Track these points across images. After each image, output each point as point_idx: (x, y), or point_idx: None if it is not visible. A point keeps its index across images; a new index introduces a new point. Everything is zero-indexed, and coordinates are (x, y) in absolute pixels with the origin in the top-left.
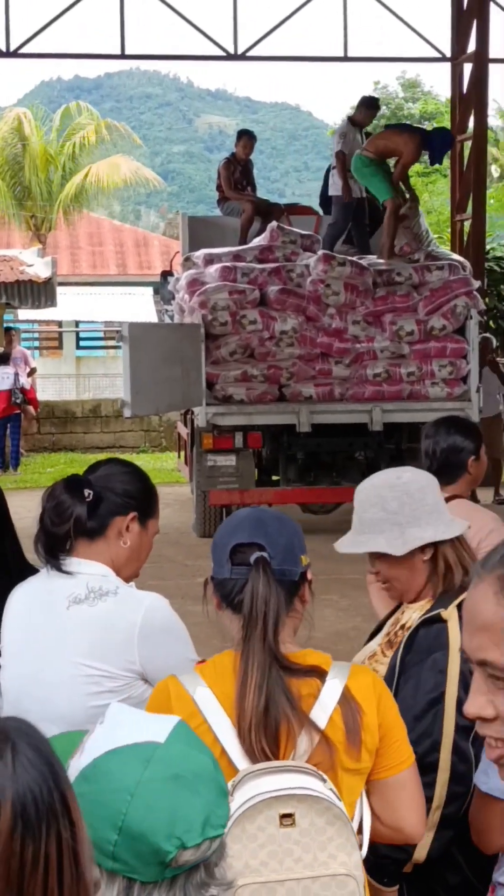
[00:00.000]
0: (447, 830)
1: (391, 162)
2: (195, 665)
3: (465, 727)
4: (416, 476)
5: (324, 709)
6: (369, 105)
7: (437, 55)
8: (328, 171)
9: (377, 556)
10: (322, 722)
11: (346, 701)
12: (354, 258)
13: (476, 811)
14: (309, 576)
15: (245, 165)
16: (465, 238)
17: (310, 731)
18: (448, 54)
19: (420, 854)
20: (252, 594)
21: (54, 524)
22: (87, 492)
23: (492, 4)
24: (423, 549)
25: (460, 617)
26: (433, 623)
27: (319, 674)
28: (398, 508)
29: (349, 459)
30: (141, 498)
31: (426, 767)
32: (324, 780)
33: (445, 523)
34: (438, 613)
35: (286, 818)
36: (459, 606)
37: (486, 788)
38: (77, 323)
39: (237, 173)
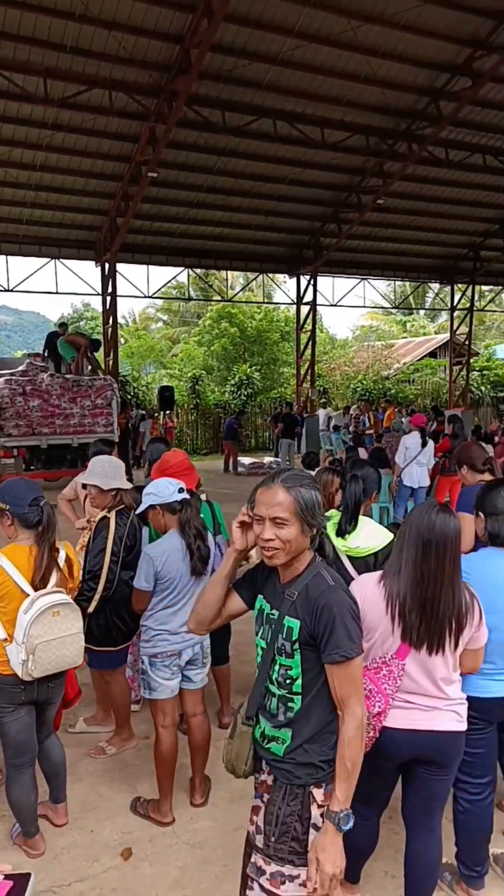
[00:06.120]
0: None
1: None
2: None
3: (119, 559)
4: (112, 459)
5: (61, 562)
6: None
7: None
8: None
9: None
10: (60, 565)
11: (68, 558)
12: (65, 375)
13: None
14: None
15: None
16: (110, 368)
17: (58, 572)
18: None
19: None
20: (44, 521)
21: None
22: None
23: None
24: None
25: (118, 514)
26: (105, 518)
27: (58, 550)
28: (109, 471)
29: (63, 459)
30: None
31: (96, 575)
32: (65, 592)
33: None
34: (106, 515)
35: (55, 614)
36: (118, 513)
37: None
38: None
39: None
